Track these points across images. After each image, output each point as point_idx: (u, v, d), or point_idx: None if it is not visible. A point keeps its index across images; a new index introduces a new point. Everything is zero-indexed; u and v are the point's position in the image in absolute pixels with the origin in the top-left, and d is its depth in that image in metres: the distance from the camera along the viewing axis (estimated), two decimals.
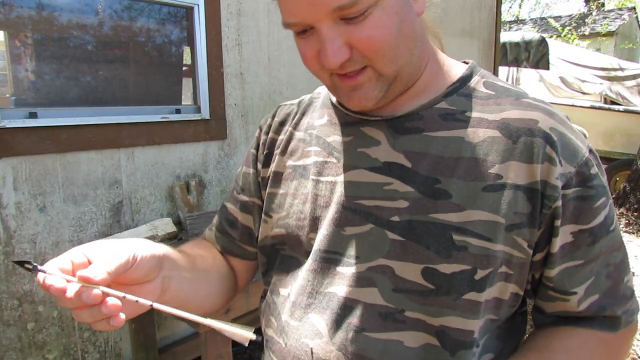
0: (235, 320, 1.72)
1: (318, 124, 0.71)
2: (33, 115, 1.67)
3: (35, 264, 0.49)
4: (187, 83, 2.24)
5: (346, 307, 0.60)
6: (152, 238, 1.85)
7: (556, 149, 0.56)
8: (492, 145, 0.58)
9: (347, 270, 0.62)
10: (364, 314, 0.59)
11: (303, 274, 0.66)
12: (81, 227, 1.79)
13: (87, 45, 1.88)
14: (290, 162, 0.71)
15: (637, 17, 14.37)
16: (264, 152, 0.75)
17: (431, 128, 0.61)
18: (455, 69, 0.66)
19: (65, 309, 1.77)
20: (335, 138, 0.67)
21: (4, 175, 1.60)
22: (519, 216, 0.56)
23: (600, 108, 6.72)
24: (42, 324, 1.73)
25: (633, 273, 0.77)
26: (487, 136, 0.58)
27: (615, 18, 13.67)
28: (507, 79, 7.34)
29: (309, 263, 0.65)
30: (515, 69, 7.18)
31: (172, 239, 1.88)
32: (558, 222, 0.56)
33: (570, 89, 7.38)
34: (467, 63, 0.67)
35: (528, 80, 7.74)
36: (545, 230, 0.57)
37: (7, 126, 1.59)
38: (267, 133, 0.77)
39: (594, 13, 14.74)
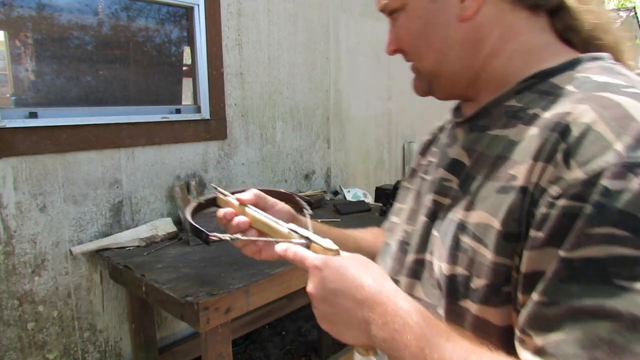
0: (235, 321, 1.72)
1: (448, 128, 0.74)
2: (33, 115, 1.67)
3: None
4: (187, 83, 2.24)
5: None
6: (152, 238, 1.85)
7: (569, 146, 0.46)
8: (525, 143, 0.52)
9: (407, 260, 0.66)
10: None
11: (388, 260, 0.72)
12: (81, 227, 1.79)
13: (87, 45, 1.88)
14: (422, 161, 0.78)
15: (636, 17, 14.36)
16: (422, 147, 0.83)
17: (494, 126, 0.59)
18: (547, 63, 0.58)
19: (65, 308, 1.77)
20: (443, 140, 0.73)
21: (4, 175, 1.60)
22: (519, 224, 0.49)
23: None
24: (42, 324, 1.73)
25: None
26: (528, 134, 0.53)
27: (615, 18, 13.67)
28: None
29: (394, 251, 0.72)
30: None
31: (172, 239, 1.88)
32: (537, 234, 0.46)
33: None
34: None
35: None
36: (522, 242, 0.48)
37: (7, 126, 1.59)
38: (433, 132, 0.82)
39: None
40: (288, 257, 0.60)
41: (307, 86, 2.70)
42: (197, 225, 0.66)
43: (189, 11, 2.13)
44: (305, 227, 0.66)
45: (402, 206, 0.76)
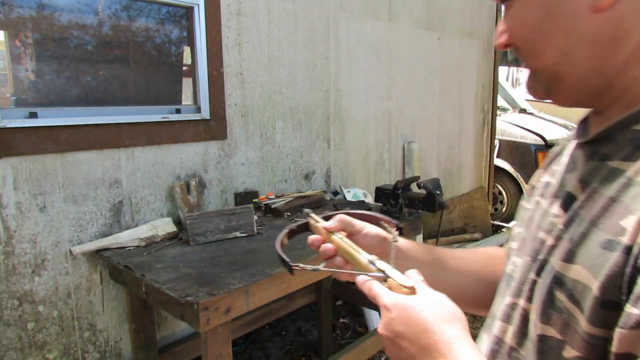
0: (235, 321, 1.72)
1: (574, 142, 0.61)
2: (33, 115, 1.67)
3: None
4: (187, 83, 2.24)
5: (497, 340, 0.59)
6: (152, 238, 1.85)
7: None
8: None
9: (504, 301, 0.59)
10: (502, 353, 0.56)
11: (498, 295, 0.67)
12: (81, 227, 1.79)
13: (87, 45, 1.88)
14: (543, 177, 0.67)
15: None
16: (547, 161, 0.72)
17: (616, 155, 0.48)
18: None
19: (65, 308, 1.77)
20: (565, 158, 0.61)
21: (4, 175, 1.60)
22: (620, 291, 0.41)
23: None
24: (42, 324, 1.73)
25: None
26: None
27: None
28: (507, 79, 7.35)
29: (502, 284, 0.65)
30: (515, 69, 7.19)
31: (172, 239, 1.88)
32: (632, 311, 0.39)
33: None
34: None
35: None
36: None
37: (7, 126, 1.59)
38: (563, 142, 0.71)
39: None
40: (364, 291, 0.57)
41: (307, 86, 2.70)
42: (282, 255, 0.68)
43: (189, 11, 2.13)
44: (395, 251, 0.66)
45: (519, 230, 0.67)
